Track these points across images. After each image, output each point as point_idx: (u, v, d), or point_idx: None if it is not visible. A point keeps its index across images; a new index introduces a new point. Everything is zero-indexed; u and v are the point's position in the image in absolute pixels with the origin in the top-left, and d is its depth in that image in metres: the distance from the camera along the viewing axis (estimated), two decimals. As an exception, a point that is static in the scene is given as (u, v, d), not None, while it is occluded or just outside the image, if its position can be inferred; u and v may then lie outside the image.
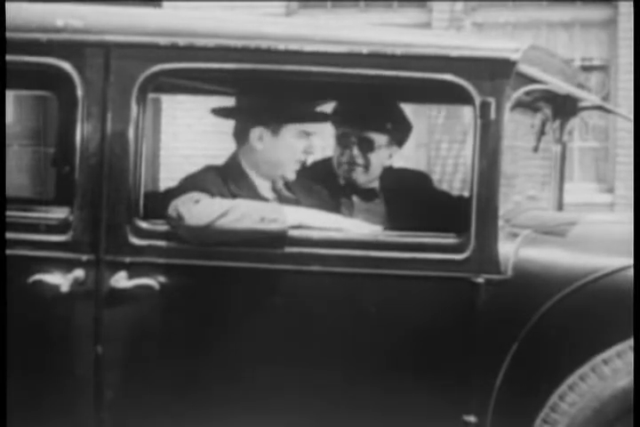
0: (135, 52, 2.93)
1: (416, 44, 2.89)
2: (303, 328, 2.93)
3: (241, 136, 3.26)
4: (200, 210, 2.90)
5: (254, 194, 3.18)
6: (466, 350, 2.86)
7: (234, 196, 3.10)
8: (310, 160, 3.97)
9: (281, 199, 3.26)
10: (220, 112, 3.32)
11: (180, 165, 8.66)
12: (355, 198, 3.76)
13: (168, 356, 2.98)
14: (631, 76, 8.03)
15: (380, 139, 3.69)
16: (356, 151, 3.68)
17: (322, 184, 3.53)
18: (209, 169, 3.22)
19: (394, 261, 2.88)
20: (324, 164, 3.82)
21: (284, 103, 3.20)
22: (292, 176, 3.27)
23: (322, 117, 3.36)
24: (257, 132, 3.20)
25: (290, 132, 3.20)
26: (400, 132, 3.76)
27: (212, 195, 3.03)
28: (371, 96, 3.61)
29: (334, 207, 3.46)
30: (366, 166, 3.70)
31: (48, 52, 2.95)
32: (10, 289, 2.94)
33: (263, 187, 3.26)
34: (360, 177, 3.72)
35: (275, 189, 3.29)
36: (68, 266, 2.95)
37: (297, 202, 3.26)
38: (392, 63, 2.86)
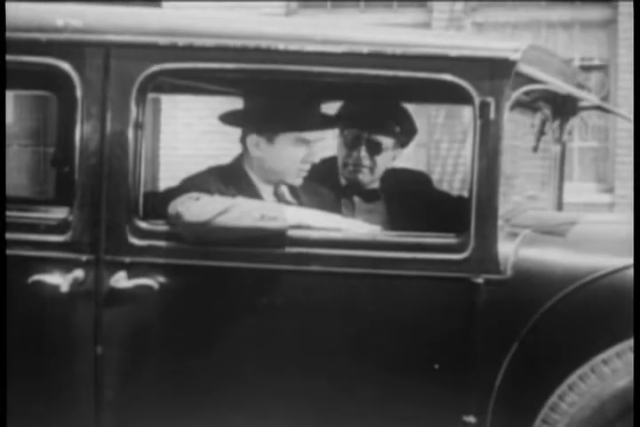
0: (135, 52, 2.92)
1: (416, 44, 2.89)
2: (303, 328, 2.93)
3: (242, 142, 3.25)
4: (200, 207, 2.90)
5: (256, 197, 3.17)
6: (465, 351, 2.86)
7: (234, 197, 3.09)
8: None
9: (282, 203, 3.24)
10: (225, 119, 3.29)
11: (180, 165, 8.67)
12: (356, 199, 3.76)
13: (168, 356, 2.98)
14: (631, 76, 8.04)
15: (387, 141, 3.70)
16: (363, 153, 3.68)
17: (323, 184, 3.52)
18: (211, 170, 3.21)
19: (393, 261, 2.88)
20: (327, 164, 3.82)
21: (279, 111, 3.16)
22: (294, 183, 3.25)
23: (320, 125, 3.25)
24: (254, 140, 3.19)
25: (286, 140, 3.16)
26: (406, 135, 3.77)
27: (213, 195, 3.03)
28: (380, 98, 3.61)
29: (336, 209, 3.46)
30: (372, 168, 3.71)
31: (48, 52, 2.94)
32: (10, 289, 2.94)
33: (265, 191, 3.25)
34: (365, 178, 3.73)
35: (277, 194, 3.27)
36: (67, 266, 2.95)
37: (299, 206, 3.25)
38: (392, 63, 2.85)
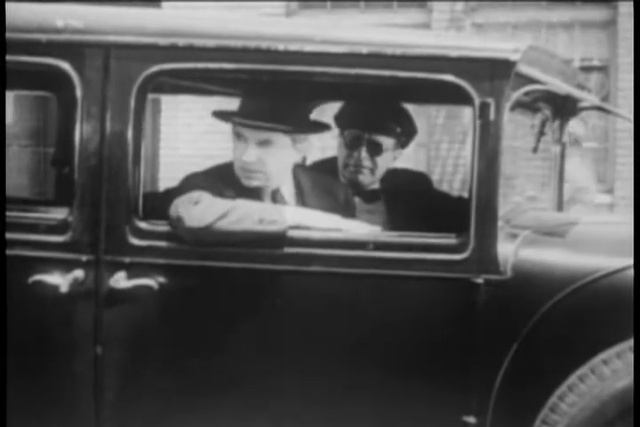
0: (135, 52, 2.93)
1: (416, 45, 2.89)
2: (303, 329, 2.93)
3: None
4: (200, 211, 2.89)
5: (255, 197, 3.14)
6: (465, 351, 2.86)
7: (233, 197, 3.07)
8: (311, 160, 3.97)
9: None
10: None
11: (180, 166, 8.66)
12: (356, 200, 3.76)
13: (167, 356, 2.98)
14: (631, 77, 8.04)
15: (387, 142, 3.70)
16: (364, 154, 3.68)
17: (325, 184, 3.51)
18: (212, 170, 3.20)
19: (393, 261, 2.88)
20: (327, 164, 3.82)
21: (243, 101, 3.15)
22: (244, 183, 3.12)
23: (255, 122, 3.04)
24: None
25: (233, 131, 3.13)
26: (407, 135, 3.77)
27: (214, 195, 3.01)
28: (380, 99, 3.61)
29: (337, 209, 3.45)
30: (372, 169, 3.71)
31: (48, 52, 2.94)
32: (10, 289, 2.94)
33: (265, 191, 3.22)
34: (366, 179, 3.73)
35: (274, 195, 3.25)
36: (67, 266, 2.95)
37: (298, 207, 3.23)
38: (392, 63, 2.85)
